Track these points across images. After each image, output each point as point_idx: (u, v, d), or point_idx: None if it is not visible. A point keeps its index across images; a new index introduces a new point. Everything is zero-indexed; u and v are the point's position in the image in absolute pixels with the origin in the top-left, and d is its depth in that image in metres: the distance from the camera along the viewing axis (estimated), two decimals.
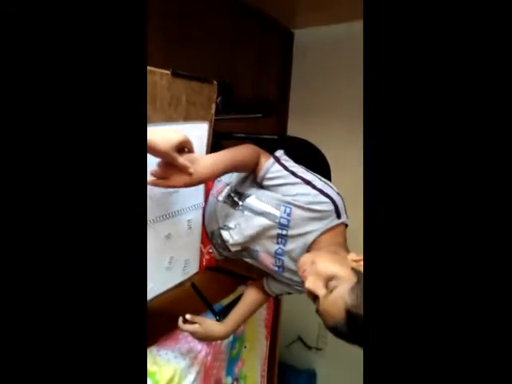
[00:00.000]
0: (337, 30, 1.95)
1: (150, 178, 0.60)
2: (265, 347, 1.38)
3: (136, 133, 0.39)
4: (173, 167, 0.61)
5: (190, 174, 0.62)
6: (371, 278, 0.38)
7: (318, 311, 0.63)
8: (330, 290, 0.60)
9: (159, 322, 1.13)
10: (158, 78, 0.66)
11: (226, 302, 1.28)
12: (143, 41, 0.39)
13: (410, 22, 0.33)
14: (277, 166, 0.77)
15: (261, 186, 0.81)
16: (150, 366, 0.88)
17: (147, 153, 0.55)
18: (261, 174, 0.78)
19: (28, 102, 0.33)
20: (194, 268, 0.93)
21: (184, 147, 0.62)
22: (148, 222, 0.74)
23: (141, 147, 0.41)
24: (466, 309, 0.33)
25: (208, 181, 0.90)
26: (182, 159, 0.60)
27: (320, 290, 0.62)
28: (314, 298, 0.63)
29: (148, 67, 0.64)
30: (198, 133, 0.76)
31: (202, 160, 0.66)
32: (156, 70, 0.65)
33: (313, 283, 0.62)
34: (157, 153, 0.57)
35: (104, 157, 0.37)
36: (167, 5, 1.50)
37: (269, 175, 0.77)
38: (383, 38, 0.34)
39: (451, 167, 0.33)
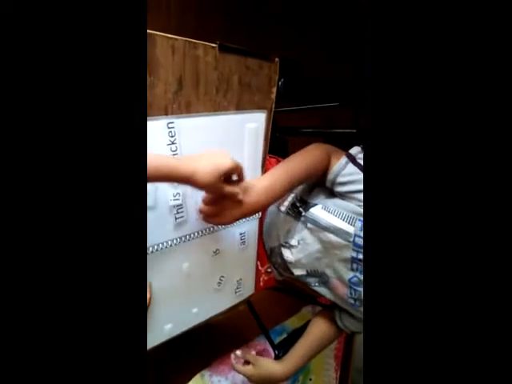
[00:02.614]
0: None
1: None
2: (334, 380, 1.17)
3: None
4: (221, 200, 0.52)
5: (240, 202, 0.52)
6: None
7: None
8: None
9: (213, 342, 1.01)
10: (201, 52, 0.50)
11: (289, 325, 1.11)
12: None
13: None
14: (351, 168, 0.58)
15: (332, 193, 0.63)
16: None
17: (189, 185, 0.48)
18: (330, 177, 0.61)
19: (24, 100, 0.27)
20: (248, 289, 0.78)
21: (233, 174, 0.51)
22: (192, 235, 0.60)
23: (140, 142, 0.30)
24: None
25: None
26: (230, 187, 0.50)
27: None
28: None
29: (189, 39, 0.50)
30: (252, 124, 0.59)
31: (255, 187, 0.55)
32: (199, 42, 0.50)
33: None
34: (200, 186, 0.49)
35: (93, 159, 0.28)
36: None
37: (340, 179, 0.59)
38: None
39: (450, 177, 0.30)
